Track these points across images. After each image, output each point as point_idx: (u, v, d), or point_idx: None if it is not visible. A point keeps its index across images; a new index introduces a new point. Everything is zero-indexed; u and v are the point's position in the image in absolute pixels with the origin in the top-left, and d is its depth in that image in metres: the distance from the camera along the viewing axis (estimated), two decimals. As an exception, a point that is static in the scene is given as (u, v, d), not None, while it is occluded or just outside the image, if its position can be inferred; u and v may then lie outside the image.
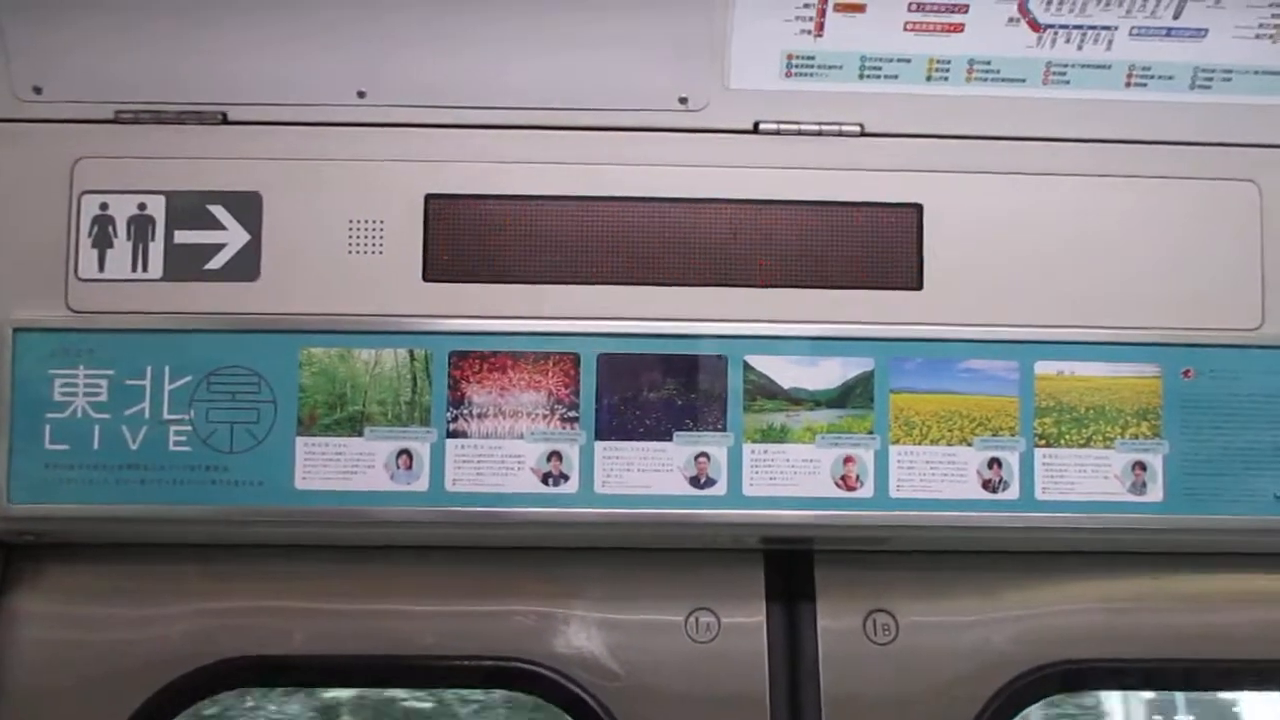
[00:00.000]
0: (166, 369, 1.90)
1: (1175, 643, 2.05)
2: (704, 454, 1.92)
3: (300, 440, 1.90)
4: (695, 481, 1.92)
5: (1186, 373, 1.96)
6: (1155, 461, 1.94)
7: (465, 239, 1.95)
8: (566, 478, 1.91)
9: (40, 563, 2.02)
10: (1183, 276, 1.99)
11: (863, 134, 2.00)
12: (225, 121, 1.97)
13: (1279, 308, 1.98)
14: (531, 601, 2.04)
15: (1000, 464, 1.94)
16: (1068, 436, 1.94)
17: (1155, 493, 1.94)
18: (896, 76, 1.97)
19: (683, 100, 1.98)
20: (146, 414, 1.90)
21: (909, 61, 1.96)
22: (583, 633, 2.02)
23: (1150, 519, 1.94)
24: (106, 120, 1.96)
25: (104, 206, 1.94)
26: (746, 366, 1.93)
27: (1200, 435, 1.95)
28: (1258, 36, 1.94)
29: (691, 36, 1.93)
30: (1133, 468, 1.94)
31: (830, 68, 1.96)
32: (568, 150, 1.97)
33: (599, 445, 1.91)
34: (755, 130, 1.99)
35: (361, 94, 1.97)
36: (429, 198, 1.95)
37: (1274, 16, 1.91)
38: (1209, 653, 2.06)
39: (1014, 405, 1.94)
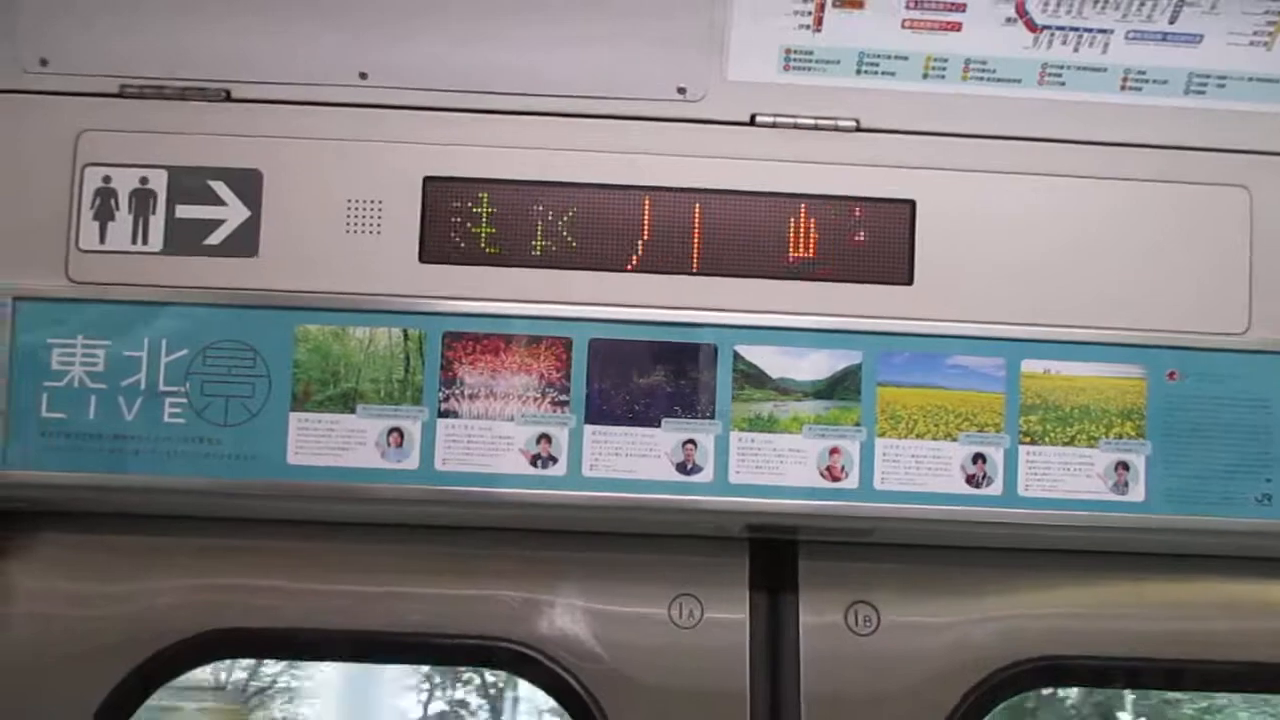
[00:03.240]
0: (164, 341, 1.93)
1: (1152, 643, 2.07)
2: (691, 441, 1.94)
3: (294, 416, 1.93)
4: (682, 468, 1.94)
5: (1171, 375, 1.98)
6: (1138, 462, 1.96)
7: (462, 222, 1.97)
8: (555, 460, 1.93)
9: (34, 532, 2.04)
10: (1171, 279, 2.00)
11: (858, 129, 2.02)
12: (228, 99, 1.99)
13: (1265, 312, 2.00)
14: (517, 582, 2.06)
15: (984, 459, 1.95)
16: (1052, 434, 1.96)
17: (1137, 492, 1.96)
18: (893, 73, 1.99)
19: (681, 90, 2.00)
20: (142, 385, 1.92)
21: (906, 59, 1.98)
22: (567, 615, 2.05)
23: (1131, 518, 1.95)
24: (111, 94, 1.98)
25: (106, 179, 1.96)
26: (736, 356, 1.95)
27: (1183, 437, 1.96)
28: (1251, 43, 1.96)
29: (691, 28, 1.95)
30: (1115, 467, 1.96)
31: (828, 63, 1.98)
32: (565, 137, 1.99)
33: (588, 429, 1.93)
34: (752, 122, 2.01)
35: (364, 75, 1.99)
36: (427, 180, 1.97)
37: (1269, 24, 1.93)
38: (1185, 655, 2.07)
39: (999, 402, 1.96)
